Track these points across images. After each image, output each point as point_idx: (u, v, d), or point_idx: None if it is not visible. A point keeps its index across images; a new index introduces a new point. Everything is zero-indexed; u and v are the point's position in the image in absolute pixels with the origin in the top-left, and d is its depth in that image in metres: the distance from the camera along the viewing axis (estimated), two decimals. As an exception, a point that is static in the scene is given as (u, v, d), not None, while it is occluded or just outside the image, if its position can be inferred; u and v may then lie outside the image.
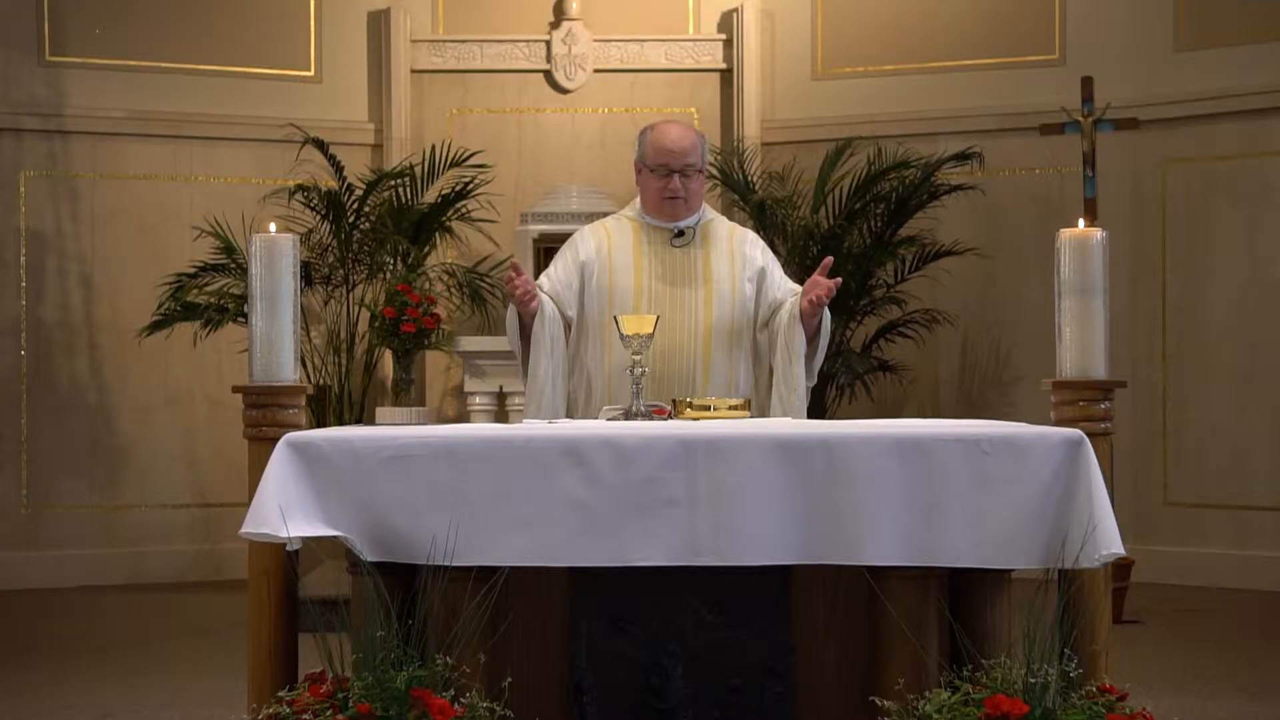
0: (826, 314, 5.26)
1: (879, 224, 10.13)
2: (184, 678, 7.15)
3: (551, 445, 4.06)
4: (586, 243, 5.42)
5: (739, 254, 5.39)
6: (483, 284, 10.32)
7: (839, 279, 5.16)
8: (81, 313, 10.39)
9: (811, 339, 5.25)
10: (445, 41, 11.05)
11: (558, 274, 5.39)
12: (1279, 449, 9.76)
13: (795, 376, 5.20)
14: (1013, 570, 4.16)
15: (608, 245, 5.38)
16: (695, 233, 5.38)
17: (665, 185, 5.30)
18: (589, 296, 5.34)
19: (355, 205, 10.11)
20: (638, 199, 5.44)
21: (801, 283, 5.30)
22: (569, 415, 5.29)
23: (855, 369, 9.91)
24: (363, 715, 3.83)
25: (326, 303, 10.29)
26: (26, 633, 8.58)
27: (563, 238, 5.68)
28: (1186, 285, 10.10)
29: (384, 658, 3.89)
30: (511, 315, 5.29)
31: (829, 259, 5.23)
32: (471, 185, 10.25)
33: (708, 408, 4.67)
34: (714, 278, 5.33)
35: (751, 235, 5.53)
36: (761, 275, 5.38)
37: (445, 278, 10.37)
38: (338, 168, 10.23)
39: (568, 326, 5.35)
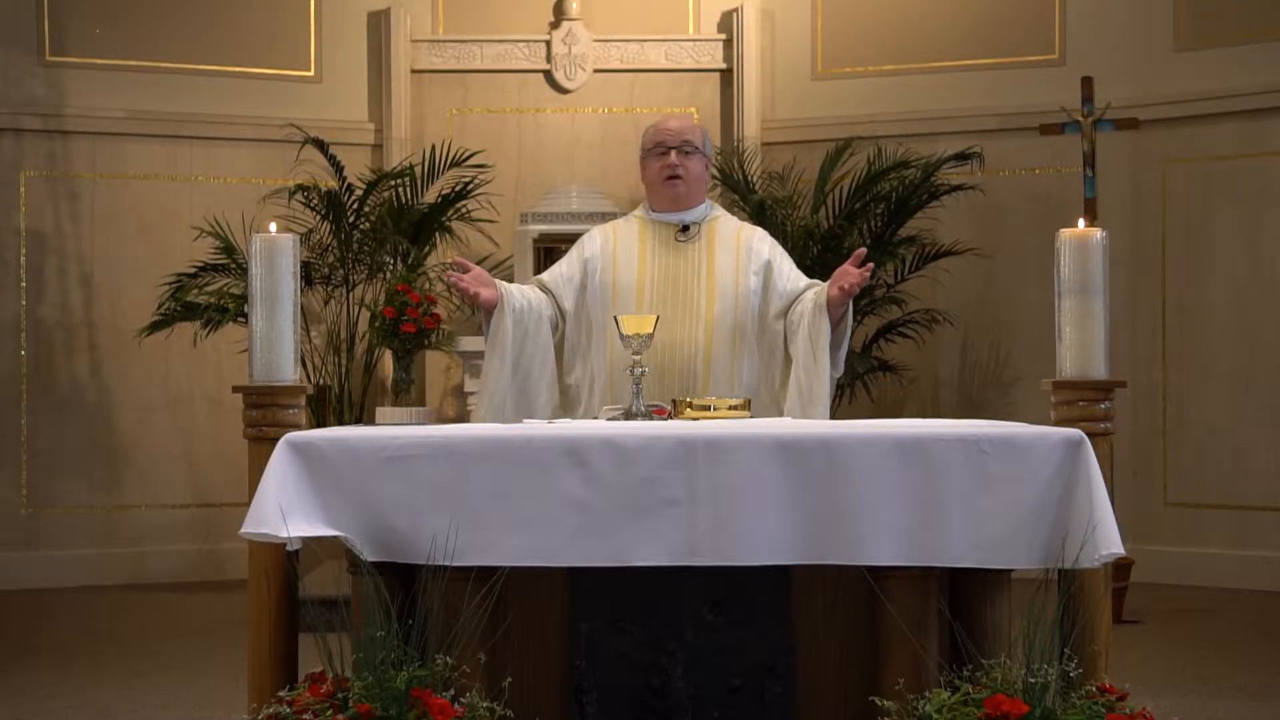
0: (849, 305, 5.24)
1: (879, 224, 10.13)
2: (184, 678, 7.14)
3: (551, 445, 4.06)
4: (593, 240, 5.47)
5: (744, 248, 5.38)
6: (483, 284, 10.30)
7: (870, 265, 5.11)
8: (81, 313, 10.39)
9: (834, 328, 5.22)
10: (445, 41, 11.05)
11: (561, 268, 5.46)
12: (1279, 449, 9.76)
13: (820, 365, 5.15)
14: (1013, 570, 4.16)
15: (613, 242, 5.41)
16: (700, 229, 5.39)
17: (663, 163, 5.32)
18: (591, 293, 5.36)
19: (355, 205, 10.10)
20: (647, 200, 5.47)
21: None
22: (568, 414, 5.30)
23: (855, 369, 9.90)
24: (363, 715, 3.83)
25: (326, 303, 10.29)
26: (26, 633, 8.58)
27: (562, 238, 5.72)
28: (1186, 285, 10.10)
29: (384, 658, 3.89)
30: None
31: (861, 250, 5.17)
32: (471, 185, 10.24)
33: (708, 408, 4.68)
34: (717, 273, 5.33)
35: (760, 231, 5.52)
36: (767, 268, 5.37)
37: (445, 278, 10.36)
38: (338, 168, 10.23)
39: (563, 317, 5.37)
